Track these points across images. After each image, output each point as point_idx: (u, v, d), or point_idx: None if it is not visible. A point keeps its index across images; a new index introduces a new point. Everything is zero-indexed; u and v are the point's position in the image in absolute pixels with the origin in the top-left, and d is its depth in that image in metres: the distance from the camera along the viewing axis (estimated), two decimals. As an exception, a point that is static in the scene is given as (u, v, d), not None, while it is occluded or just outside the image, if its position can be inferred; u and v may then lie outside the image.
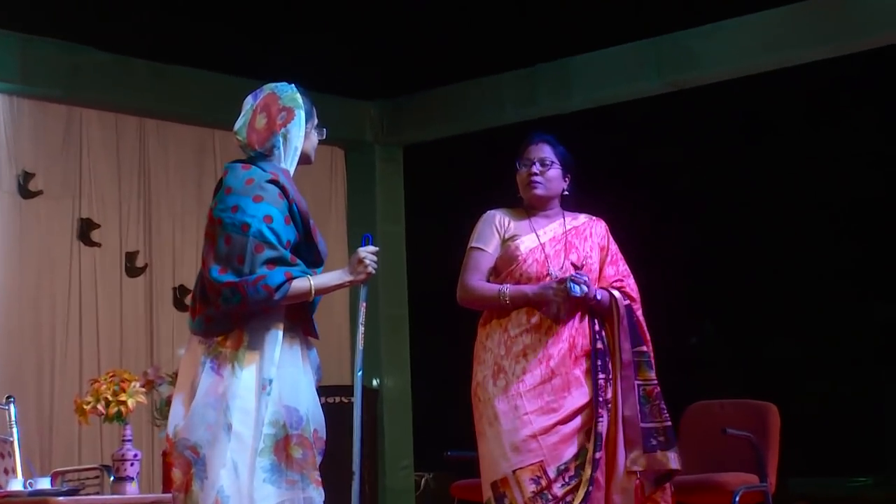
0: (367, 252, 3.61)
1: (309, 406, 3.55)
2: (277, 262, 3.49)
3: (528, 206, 4.37)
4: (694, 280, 7.96)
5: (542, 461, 4.11)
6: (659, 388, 4.24)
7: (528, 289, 4.21)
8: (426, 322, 8.60)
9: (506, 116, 8.04)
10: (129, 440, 5.12)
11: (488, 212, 4.41)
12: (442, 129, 8.44)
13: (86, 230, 7.36)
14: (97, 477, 5.22)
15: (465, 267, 4.34)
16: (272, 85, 3.73)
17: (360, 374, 3.59)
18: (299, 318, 3.60)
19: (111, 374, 5.18)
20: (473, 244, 4.36)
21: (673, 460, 4.19)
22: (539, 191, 4.31)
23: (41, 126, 7.24)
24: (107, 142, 7.53)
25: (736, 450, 5.28)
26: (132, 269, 7.54)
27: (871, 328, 7.69)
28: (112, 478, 5.06)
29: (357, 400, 3.61)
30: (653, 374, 4.25)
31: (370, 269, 3.59)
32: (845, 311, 7.70)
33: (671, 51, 7.27)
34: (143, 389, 5.16)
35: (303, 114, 3.68)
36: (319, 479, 3.52)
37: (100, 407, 5.04)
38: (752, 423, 5.31)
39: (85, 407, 5.08)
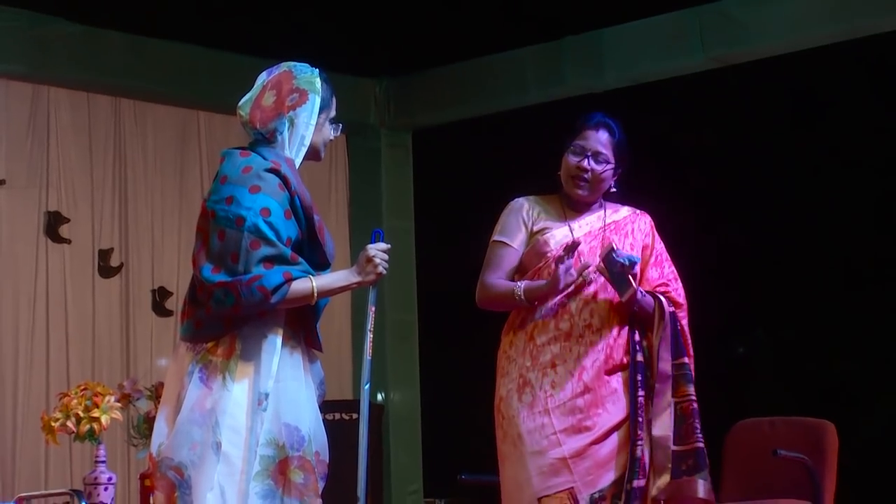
0: (378, 250, 3.62)
1: (311, 425, 3.58)
2: (275, 260, 3.51)
3: (563, 195, 4.34)
4: (743, 282, 7.96)
5: (572, 488, 4.08)
6: (696, 405, 4.19)
7: (541, 282, 4.15)
8: (438, 329, 8.62)
9: (529, 97, 8.05)
10: (102, 461, 5.16)
11: (515, 200, 4.36)
12: (456, 111, 8.45)
13: (54, 225, 7.40)
14: (67, 503, 5.26)
15: (486, 263, 4.30)
16: (291, 63, 3.74)
17: (367, 387, 3.61)
18: (301, 326, 3.62)
19: (82, 388, 5.22)
20: (496, 237, 4.31)
21: (702, 488, 4.11)
22: (582, 192, 4.27)
23: (3, 108, 7.28)
24: (77, 125, 7.56)
25: (788, 473, 5.29)
26: (106, 269, 7.58)
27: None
28: (83, 504, 5.10)
29: (363, 417, 3.63)
30: (691, 390, 4.20)
31: (380, 269, 3.60)
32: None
33: (716, 22, 7.28)
34: (119, 404, 5.21)
35: (317, 100, 3.68)
36: None
37: (70, 424, 5.09)
38: (806, 443, 5.33)
39: (53, 424, 5.13)
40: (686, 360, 4.23)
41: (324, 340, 3.67)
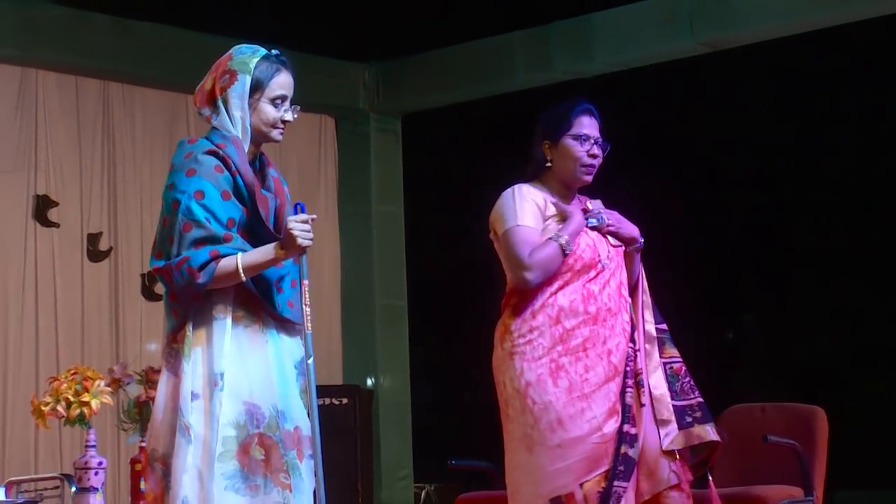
0: (296, 222, 3.54)
1: (276, 402, 3.56)
2: (207, 241, 3.50)
3: (559, 184, 4.32)
4: (732, 267, 7.97)
5: (608, 469, 4.09)
6: (685, 367, 4.28)
7: (570, 224, 4.20)
8: (427, 314, 8.62)
9: (518, 81, 8.05)
10: (92, 446, 5.15)
11: (517, 187, 4.29)
12: (445, 95, 8.45)
13: (42, 208, 7.38)
14: (57, 487, 5.25)
15: (513, 247, 4.17)
16: (239, 46, 3.73)
17: (310, 361, 3.57)
18: (253, 301, 3.59)
19: (72, 372, 5.20)
20: (518, 223, 4.21)
21: (711, 432, 4.20)
22: (590, 178, 4.29)
23: (-9, 90, 7.26)
24: (66, 108, 7.54)
25: (779, 459, 5.30)
26: (95, 253, 7.57)
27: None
28: (74, 488, 5.09)
29: (312, 394, 3.55)
30: (676, 352, 4.28)
31: (300, 240, 3.52)
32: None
33: (706, 6, 7.28)
34: (109, 389, 5.19)
35: (247, 79, 3.63)
36: (288, 481, 3.53)
37: (60, 408, 5.07)
38: (796, 429, 5.33)
39: (43, 409, 5.11)
40: (664, 325, 4.31)
41: (313, 326, 3.63)
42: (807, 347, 7.95)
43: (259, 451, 3.52)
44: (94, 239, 7.57)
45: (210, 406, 3.50)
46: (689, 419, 4.20)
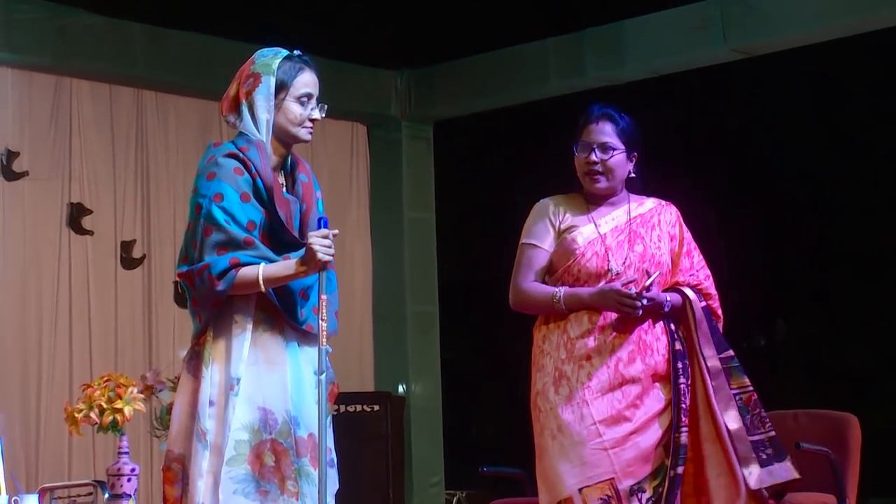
0: (316, 238, 3.53)
1: (290, 408, 3.56)
2: (228, 245, 3.51)
3: (587, 193, 4.36)
4: (764, 272, 7.93)
5: (612, 478, 4.09)
6: (756, 395, 4.25)
7: (584, 292, 4.20)
8: (458, 321, 8.62)
9: (550, 88, 8.05)
10: (125, 453, 5.16)
11: (541, 201, 4.39)
12: (477, 102, 8.45)
13: (76, 216, 7.42)
14: (90, 494, 5.27)
15: (517, 267, 4.33)
16: (261, 49, 3.74)
17: (322, 377, 3.56)
18: (275, 308, 3.59)
19: (105, 379, 5.22)
20: (525, 240, 4.34)
21: (791, 470, 4.20)
22: (600, 184, 4.29)
23: (26, 98, 7.30)
24: (99, 116, 7.58)
25: (811, 466, 5.26)
26: (128, 261, 7.60)
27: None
28: (107, 495, 5.11)
29: (322, 407, 3.55)
30: (747, 381, 4.25)
31: (320, 255, 3.50)
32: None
33: (738, 12, 7.26)
34: (142, 396, 5.21)
35: (272, 80, 3.64)
36: (295, 489, 3.53)
37: (93, 415, 5.09)
38: (829, 436, 5.30)
39: (76, 415, 5.13)
40: (731, 352, 4.27)
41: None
42: (840, 354, 7.90)
43: (271, 457, 3.53)
44: (127, 246, 7.60)
45: (224, 412, 3.52)
46: (764, 456, 4.17)
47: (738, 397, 4.21)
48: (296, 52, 3.71)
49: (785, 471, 4.19)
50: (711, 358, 4.22)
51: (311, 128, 3.71)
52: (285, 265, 3.53)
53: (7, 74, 7.21)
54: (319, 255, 3.49)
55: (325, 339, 3.54)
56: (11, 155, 7.19)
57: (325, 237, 3.51)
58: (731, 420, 4.18)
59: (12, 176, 7.19)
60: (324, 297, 3.54)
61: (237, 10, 7.43)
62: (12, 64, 7.20)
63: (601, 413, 4.12)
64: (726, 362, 4.24)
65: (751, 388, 4.24)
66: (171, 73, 7.67)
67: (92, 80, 7.53)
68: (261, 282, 3.50)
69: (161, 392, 5.33)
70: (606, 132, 4.28)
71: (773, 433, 4.23)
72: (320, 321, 3.54)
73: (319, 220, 3.60)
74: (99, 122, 7.57)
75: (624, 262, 4.24)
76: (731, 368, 4.24)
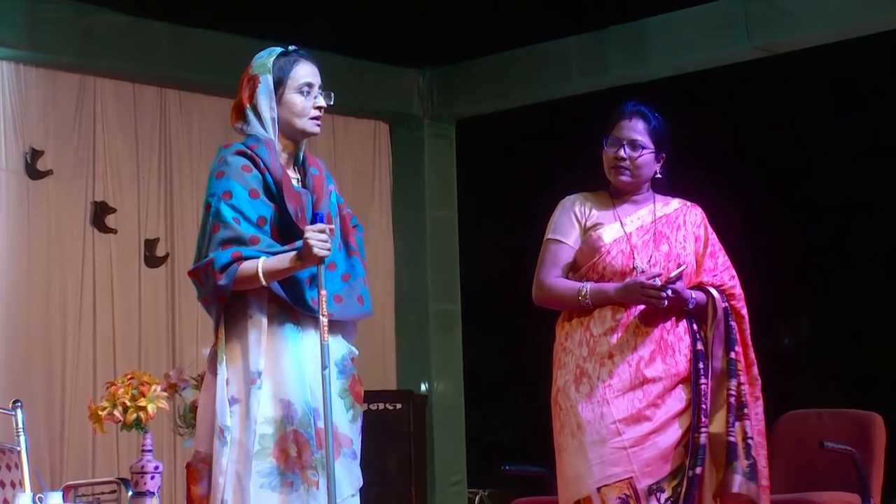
0: (312, 231, 3.53)
1: (309, 399, 3.58)
2: (232, 242, 3.53)
3: (613, 190, 4.36)
4: (789, 272, 7.91)
5: (631, 478, 4.09)
6: (733, 400, 4.20)
7: (610, 287, 4.20)
8: (481, 319, 8.62)
9: (572, 86, 8.03)
10: (149, 450, 5.18)
11: (566, 198, 4.40)
12: (499, 101, 8.44)
13: (100, 215, 7.44)
14: (113, 491, 5.29)
15: (541, 262, 4.34)
16: (258, 53, 3.80)
17: (325, 372, 3.56)
18: (283, 301, 3.60)
19: (129, 377, 5.25)
20: (550, 235, 4.35)
21: (735, 483, 4.11)
22: (626, 178, 4.30)
23: (50, 98, 7.32)
24: (123, 115, 7.60)
25: (835, 466, 5.26)
26: (152, 259, 7.62)
27: None
28: (130, 492, 5.12)
29: (328, 400, 3.54)
30: (732, 384, 4.21)
31: (315, 250, 3.51)
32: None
33: (762, 9, 7.23)
34: (165, 394, 5.23)
35: (269, 78, 3.70)
36: (315, 478, 3.55)
37: (116, 413, 5.11)
38: (853, 435, 5.29)
39: (100, 413, 5.15)
40: (733, 354, 4.24)
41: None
42: (864, 353, 7.87)
43: (294, 448, 3.55)
44: (151, 245, 7.62)
45: (247, 407, 3.54)
46: (746, 467, 4.12)
47: (731, 398, 4.19)
48: (290, 48, 3.75)
49: (730, 482, 4.10)
50: (717, 359, 4.23)
51: (319, 118, 3.74)
52: (282, 258, 3.55)
53: (32, 73, 7.23)
54: (315, 250, 3.51)
55: (326, 334, 3.54)
56: (36, 154, 7.20)
57: (322, 231, 3.53)
58: (715, 424, 4.16)
59: (37, 175, 7.20)
60: (323, 291, 3.56)
61: (261, 10, 7.44)
62: (37, 63, 7.23)
63: (621, 412, 4.12)
64: (726, 363, 4.23)
65: (732, 392, 4.19)
66: (194, 72, 7.68)
67: (116, 79, 7.55)
68: (260, 275, 3.52)
69: (184, 390, 5.35)
70: (638, 130, 4.29)
71: (731, 439, 4.15)
72: (321, 316, 3.55)
73: (315, 214, 3.61)
74: (123, 120, 7.59)
75: (649, 261, 4.24)
76: (726, 370, 4.22)
